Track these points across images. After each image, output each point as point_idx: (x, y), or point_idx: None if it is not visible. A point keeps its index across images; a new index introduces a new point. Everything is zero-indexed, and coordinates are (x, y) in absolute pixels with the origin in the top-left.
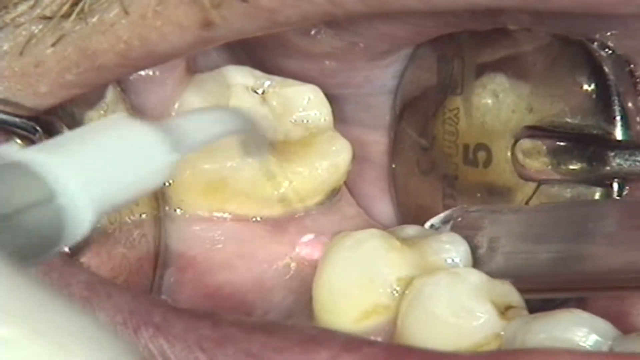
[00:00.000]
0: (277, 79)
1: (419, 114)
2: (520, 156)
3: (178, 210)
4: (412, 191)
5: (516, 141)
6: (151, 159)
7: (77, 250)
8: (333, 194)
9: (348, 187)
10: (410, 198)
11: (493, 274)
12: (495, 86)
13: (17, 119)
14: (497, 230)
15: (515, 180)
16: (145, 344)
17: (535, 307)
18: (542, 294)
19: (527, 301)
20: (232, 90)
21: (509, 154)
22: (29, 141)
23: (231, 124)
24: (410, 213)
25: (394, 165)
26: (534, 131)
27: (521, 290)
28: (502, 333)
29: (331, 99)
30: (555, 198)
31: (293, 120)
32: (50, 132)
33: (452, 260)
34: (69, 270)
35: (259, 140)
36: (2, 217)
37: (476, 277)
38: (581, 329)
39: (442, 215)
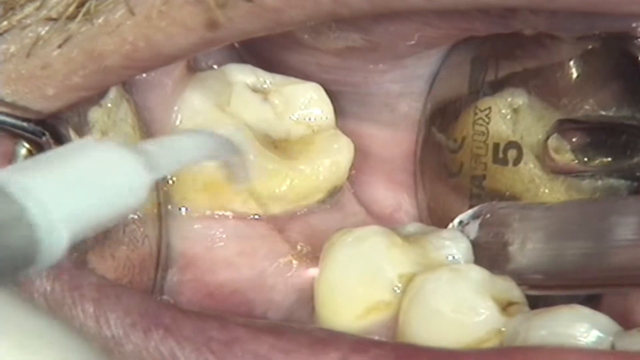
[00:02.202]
0: (278, 77)
1: (449, 117)
2: (552, 150)
3: (180, 209)
4: (438, 194)
5: (549, 136)
6: (126, 179)
7: (83, 252)
8: (335, 192)
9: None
10: (436, 201)
11: (523, 271)
12: (528, 83)
13: (24, 123)
14: (527, 226)
15: (546, 176)
16: (155, 346)
17: (537, 303)
18: (572, 290)
19: (528, 297)
20: (233, 88)
21: (540, 149)
22: (36, 145)
23: (210, 148)
24: (437, 215)
25: (420, 169)
26: (567, 124)
27: (551, 287)
28: (504, 329)
29: (329, 94)
30: (586, 192)
31: (295, 119)
32: (57, 134)
33: (453, 256)
34: (80, 273)
35: (243, 166)
36: None
37: (477, 273)
38: (582, 325)
39: (470, 212)
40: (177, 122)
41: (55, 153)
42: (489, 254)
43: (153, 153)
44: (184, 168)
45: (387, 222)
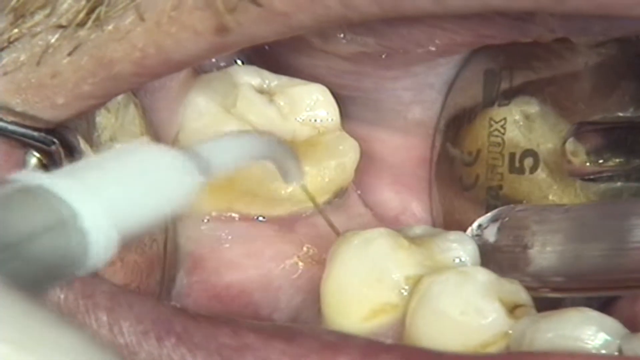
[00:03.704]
0: (284, 78)
1: (463, 130)
2: (569, 153)
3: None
4: (454, 208)
5: (566, 140)
6: (174, 183)
7: None
8: (340, 193)
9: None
10: (452, 215)
11: (543, 273)
12: (544, 91)
13: (35, 133)
14: (546, 229)
15: (563, 182)
16: (168, 354)
17: (544, 306)
18: (593, 292)
19: (535, 300)
20: (239, 89)
21: (557, 154)
22: (45, 154)
23: (259, 149)
24: (452, 229)
25: (435, 184)
26: (585, 127)
27: (572, 290)
28: (510, 332)
29: (338, 97)
30: (605, 196)
31: (300, 120)
32: (66, 142)
33: (460, 259)
34: (92, 281)
35: (292, 165)
36: (10, 245)
37: (484, 275)
38: (590, 328)
39: (489, 215)
40: (184, 124)
41: (105, 156)
42: (508, 257)
43: (203, 155)
44: (234, 169)
45: (392, 224)
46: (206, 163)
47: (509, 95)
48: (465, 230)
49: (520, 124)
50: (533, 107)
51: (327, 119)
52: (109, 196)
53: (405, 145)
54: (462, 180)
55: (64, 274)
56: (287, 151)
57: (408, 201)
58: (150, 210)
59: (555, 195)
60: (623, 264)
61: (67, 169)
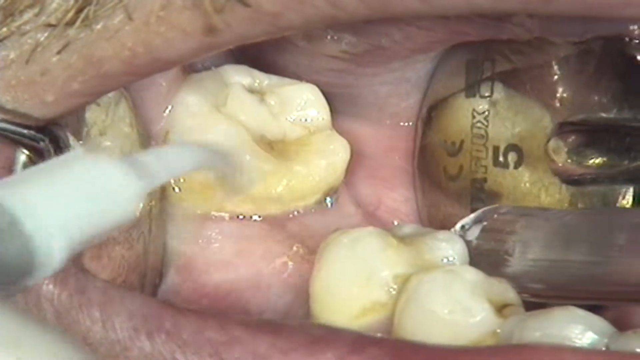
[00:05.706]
0: (275, 78)
1: (446, 120)
2: (553, 153)
3: (176, 209)
4: (439, 199)
5: (549, 139)
6: (117, 189)
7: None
8: (331, 193)
9: None
10: (437, 206)
11: (523, 279)
12: (527, 85)
13: (24, 130)
14: (529, 235)
15: (547, 179)
16: (159, 350)
17: (532, 305)
18: (572, 300)
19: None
20: (229, 89)
21: (541, 152)
22: (35, 151)
23: (203, 158)
24: (437, 221)
25: (419, 175)
26: (568, 127)
27: (551, 297)
28: (499, 331)
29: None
30: (590, 196)
31: (291, 120)
32: (55, 139)
33: (448, 258)
34: (85, 277)
35: (239, 175)
36: None
37: (472, 274)
38: (577, 327)
39: (472, 216)
40: (174, 123)
41: (47, 165)
42: (489, 260)
43: (144, 162)
44: (174, 177)
45: (372, 219)
46: (147, 169)
47: (490, 87)
48: (450, 224)
49: (522, 105)
50: (534, 83)
51: (318, 119)
52: (51, 203)
53: (380, 135)
54: (447, 171)
55: (10, 281)
56: (231, 163)
57: (382, 194)
58: (94, 216)
59: (540, 192)
60: (603, 277)
61: (8, 178)
